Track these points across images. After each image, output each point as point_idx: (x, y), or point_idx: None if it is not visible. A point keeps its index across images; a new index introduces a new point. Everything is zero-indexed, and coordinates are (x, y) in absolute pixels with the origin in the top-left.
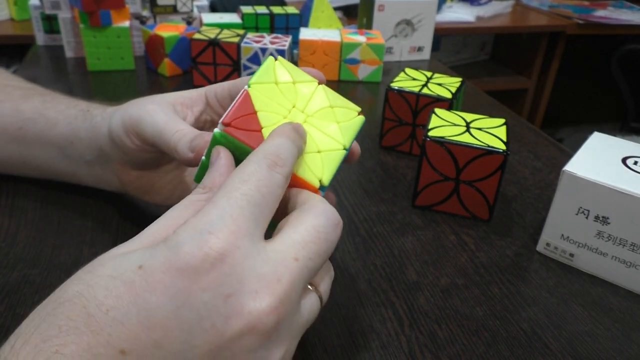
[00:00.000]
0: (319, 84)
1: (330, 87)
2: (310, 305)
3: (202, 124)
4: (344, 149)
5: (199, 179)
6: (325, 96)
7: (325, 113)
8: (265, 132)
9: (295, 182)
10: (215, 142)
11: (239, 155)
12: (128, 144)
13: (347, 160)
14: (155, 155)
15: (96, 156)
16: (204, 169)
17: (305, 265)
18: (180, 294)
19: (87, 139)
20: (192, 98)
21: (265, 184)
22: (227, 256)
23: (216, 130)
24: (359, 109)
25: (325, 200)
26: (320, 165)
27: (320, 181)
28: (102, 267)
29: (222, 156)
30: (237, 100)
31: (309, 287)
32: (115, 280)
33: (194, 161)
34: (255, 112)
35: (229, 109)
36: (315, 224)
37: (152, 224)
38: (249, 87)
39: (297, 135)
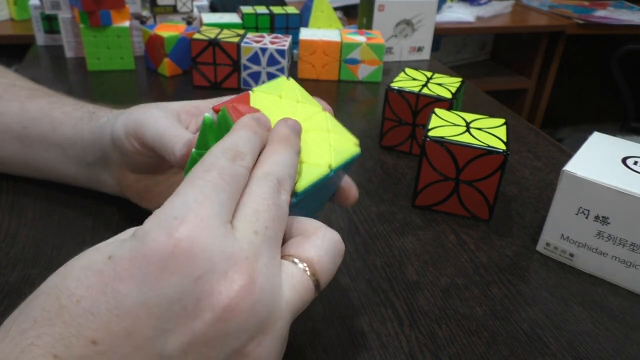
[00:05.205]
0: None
1: (330, 88)
2: (292, 280)
3: None
4: (329, 167)
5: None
6: (326, 121)
7: (321, 135)
8: None
9: None
10: (205, 127)
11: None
12: (127, 147)
13: (340, 200)
14: (151, 160)
15: (98, 158)
16: (193, 163)
17: (265, 235)
18: (148, 280)
19: (90, 140)
20: (199, 107)
21: (228, 173)
22: (193, 238)
23: (206, 114)
24: (357, 141)
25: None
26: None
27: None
28: (77, 259)
29: None
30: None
31: (291, 260)
32: (86, 271)
33: (186, 158)
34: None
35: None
36: (258, 192)
37: None
38: (252, 92)
39: (258, 125)
